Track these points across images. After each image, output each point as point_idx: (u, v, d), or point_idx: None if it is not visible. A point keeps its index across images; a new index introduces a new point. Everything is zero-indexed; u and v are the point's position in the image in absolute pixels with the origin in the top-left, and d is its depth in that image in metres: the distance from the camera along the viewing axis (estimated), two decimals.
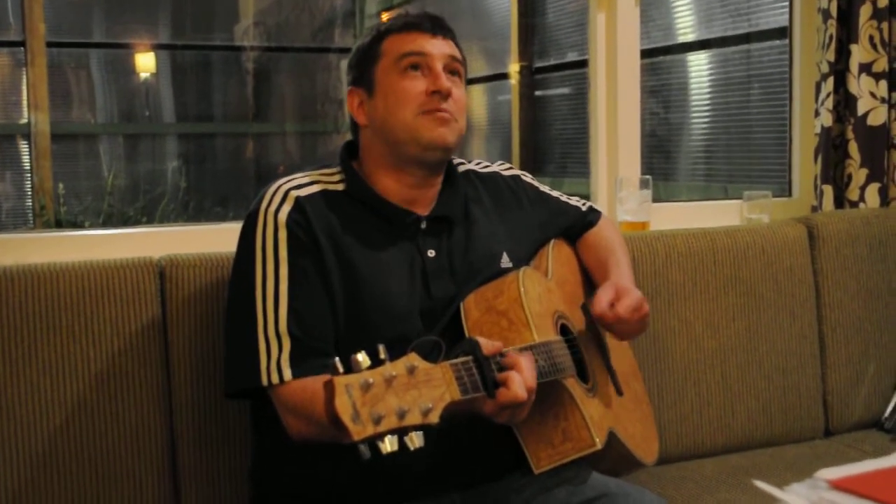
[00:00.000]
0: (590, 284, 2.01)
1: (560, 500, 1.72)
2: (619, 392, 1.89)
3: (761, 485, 1.20)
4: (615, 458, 1.83)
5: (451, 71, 1.75)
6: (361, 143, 1.80)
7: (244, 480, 1.93)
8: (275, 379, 1.61)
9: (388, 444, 1.20)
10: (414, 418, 1.22)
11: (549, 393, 1.62)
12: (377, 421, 1.19)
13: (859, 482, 1.16)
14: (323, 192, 1.73)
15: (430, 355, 1.34)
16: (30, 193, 7.34)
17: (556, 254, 1.95)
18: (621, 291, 1.81)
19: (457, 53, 1.78)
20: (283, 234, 1.66)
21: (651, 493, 1.78)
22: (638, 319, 1.80)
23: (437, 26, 1.77)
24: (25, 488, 1.87)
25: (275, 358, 1.61)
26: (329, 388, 1.19)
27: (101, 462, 1.91)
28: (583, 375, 1.77)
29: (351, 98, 1.80)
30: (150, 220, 7.36)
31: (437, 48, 1.74)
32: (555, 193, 2.05)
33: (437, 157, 1.75)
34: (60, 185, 7.36)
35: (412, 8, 8.03)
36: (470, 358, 1.40)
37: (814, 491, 1.15)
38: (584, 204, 2.09)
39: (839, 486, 1.15)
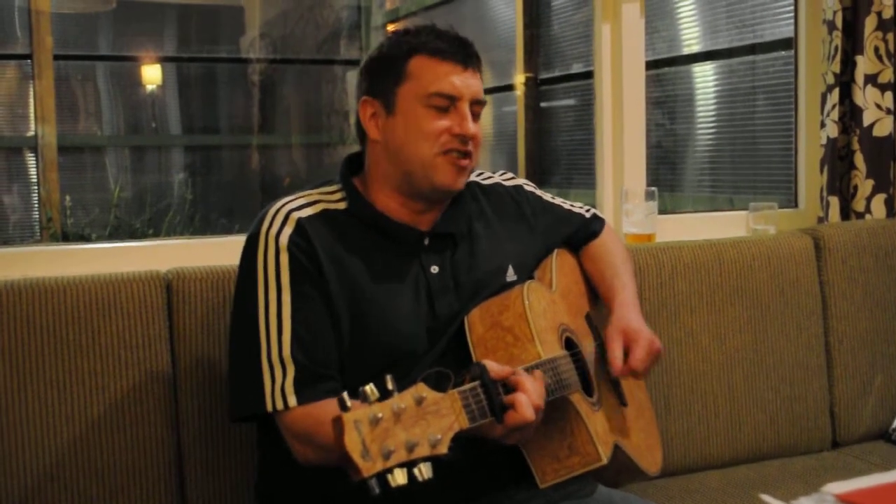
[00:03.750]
0: (593, 292, 2.01)
1: None
2: (624, 403, 1.89)
3: (768, 498, 1.20)
4: (619, 468, 1.82)
5: (475, 113, 1.74)
6: (369, 156, 1.78)
7: (250, 494, 1.92)
8: (279, 405, 1.61)
9: (398, 478, 1.20)
10: (423, 450, 1.23)
11: (554, 408, 1.62)
12: (387, 456, 1.19)
13: (866, 496, 1.16)
14: (324, 213, 1.71)
15: (439, 383, 1.34)
16: (37, 206, 7.35)
17: (560, 264, 1.95)
18: (630, 337, 1.80)
19: (481, 91, 1.75)
20: (284, 258, 1.65)
21: None
22: (652, 364, 1.81)
23: (469, 57, 1.74)
24: (33, 501, 1.87)
25: (279, 384, 1.61)
26: (338, 425, 1.19)
27: (107, 475, 1.92)
28: (587, 388, 1.77)
29: (364, 108, 1.75)
30: (157, 233, 7.37)
31: (467, 87, 1.71)
32: (557, 201, 2.04)
33: (445, 197, 1.76)
34: (67, 198, 7.37)
35: (421, 19, 8.03)
36: (477, 383, 1.40)
37: None
38: (587, 210, 2.08)
39: (846, 500, 1.15)
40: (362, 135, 1.78)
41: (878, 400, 2.54)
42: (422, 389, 1.27)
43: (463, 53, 1.73)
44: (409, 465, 1.21)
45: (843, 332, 2.52)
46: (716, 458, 2.37)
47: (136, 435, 1.93)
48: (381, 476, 1.19)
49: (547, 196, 2.04)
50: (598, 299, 2.00)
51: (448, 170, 1.71)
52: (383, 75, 1.74)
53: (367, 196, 1.76)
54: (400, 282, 1.72)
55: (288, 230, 1.66)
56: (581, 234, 2.04)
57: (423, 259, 1.74)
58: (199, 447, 1.97)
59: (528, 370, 1.54)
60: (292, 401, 1.60)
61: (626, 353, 1.78)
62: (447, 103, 1.70)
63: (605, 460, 1.65)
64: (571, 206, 2.07)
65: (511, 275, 1.83)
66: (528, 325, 1.66)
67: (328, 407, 1.57)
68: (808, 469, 2.35)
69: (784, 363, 2.45)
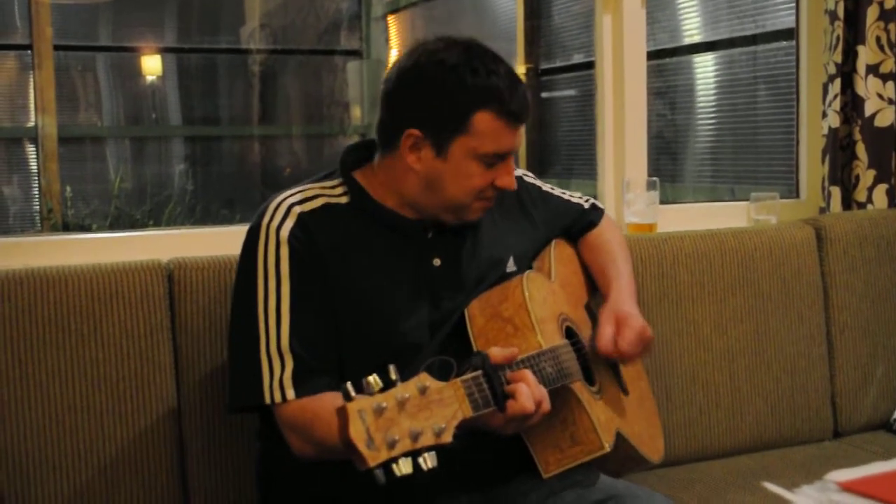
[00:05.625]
0: (592, 282, 2.01)
1: (568, 502, 1.72)
2: (625, 392, 1.89)
3: (771, 486, 1.21)
4: (622, 457, 1.83)
5: None
6: (391, 168, 1.71)
7: (252, 483, 1.93)
8: (277, 398, 1.61)
9: (403, 467, 1.20)
10: (427, 439, 1.23)
11: (556, 398, 1.62)
12: (391, 445, 1.19)
13: (869, 484, 1.16)
14: (325, 206, 1.70)
15: (442, 372, 1.34)
16: (37, 196, 7.35)
17: (558, 254, 1.95)
18: (622, 321, 1.81)
19: None
20: (284, 251, 1.64)
21: (660, 495, 1.78)
22: (641, 350, 1.82)
23: (526, 116, 1.69)
24: (34, 490, 1.88)
25: (277, 376, 1.61)
26: (342, 414, 1.19)
27: (109, 464, 1.92)
28: (588, 377, 1.77)
29: (407, 139, 1.65)
30: (157, 223, 7.38)
31: (519, 143, 1.70)
32: (556, 192, 2.04)
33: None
34: (68, 188, 7.37)
35: (421, 10, 8.02)
36: (480, 372, 1.40)
37: (823, 493, 1.15)
38: (586, 201, 2.08)
39: (849, 487, 1.15)
40: (387, 141, 1.70)
41: (879, 390, 2.54)
42: (425, 379, 1.27)
43: (526, 114, 1.68)
44: (414, 454, 1.21)
45: (844, 322, 2.52)
46: (717, 447, 2.37)
47: (138, 424, 1.93)
48: (387, 465, 1.19)
49: (546, 186, 2.03)
50: (597, 289, 2.00)
51: (479, 211, 1.72)
52: (440, 117, 1.64)
53: (371, 191, 1.73)
54: (402, 275, 1.71)
55: (289, 224, 1.66)
56: (579, 224, 2.04)
57: (426, 252, 1.74)
58: (200, 437, 1.97)
59: (529, 359, 1.54)
60: (290, 394, 1.60)
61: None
62: (497, 160, 1.68)
63: (607, 448, 1.65)
64: (570, 196, 2.06)
65: (511, 266, 1.83)
66: (529, 314, 1.66)
67: (325, 401, 1.57)
68: (810, 458, 2.34)
69: (785, 353, 2.45)
